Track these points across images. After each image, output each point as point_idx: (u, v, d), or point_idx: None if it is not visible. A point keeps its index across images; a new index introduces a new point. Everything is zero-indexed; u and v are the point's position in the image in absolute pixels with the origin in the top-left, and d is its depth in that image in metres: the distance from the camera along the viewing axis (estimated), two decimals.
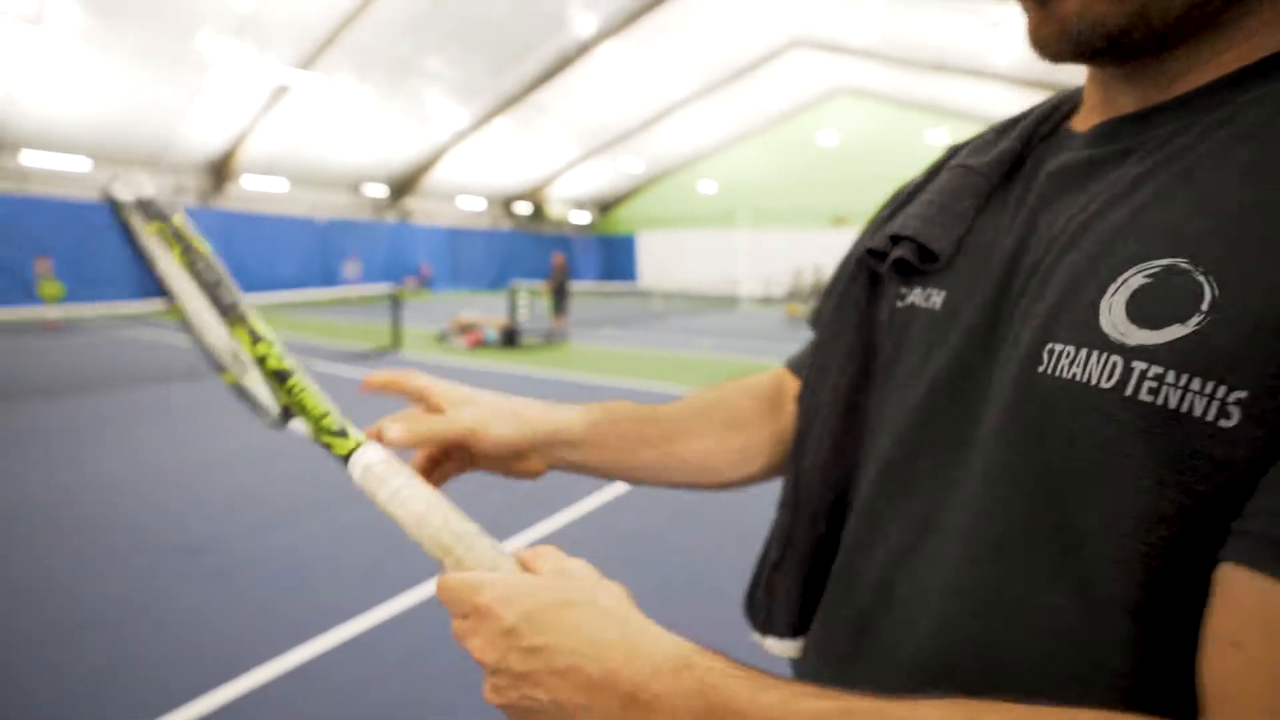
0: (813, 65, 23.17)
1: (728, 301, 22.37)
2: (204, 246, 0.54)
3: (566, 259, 12.70)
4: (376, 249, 22.15)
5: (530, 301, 11.84)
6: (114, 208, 0.57)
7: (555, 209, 29.88)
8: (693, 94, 23.47)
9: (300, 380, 0.53)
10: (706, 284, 26.02)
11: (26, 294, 13.38)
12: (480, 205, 27.36)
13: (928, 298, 0.50)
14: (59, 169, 16.32)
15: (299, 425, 0.55)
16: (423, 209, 25.14)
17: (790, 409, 0.66)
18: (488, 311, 13.43)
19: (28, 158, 15.80)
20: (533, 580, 0.43)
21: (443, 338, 11.31)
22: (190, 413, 6.19)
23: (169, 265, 0.56)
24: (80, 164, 16.51)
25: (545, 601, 0.40)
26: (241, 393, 0.61)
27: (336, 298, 17.36)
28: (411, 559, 3.22)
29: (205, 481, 4.37)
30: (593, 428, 0.62)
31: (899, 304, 0.53)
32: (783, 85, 24.26)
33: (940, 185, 0.55)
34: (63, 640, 2.55)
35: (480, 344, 10.83)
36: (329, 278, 19.75)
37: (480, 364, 9.05)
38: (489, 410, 0.59)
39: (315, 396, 0.53)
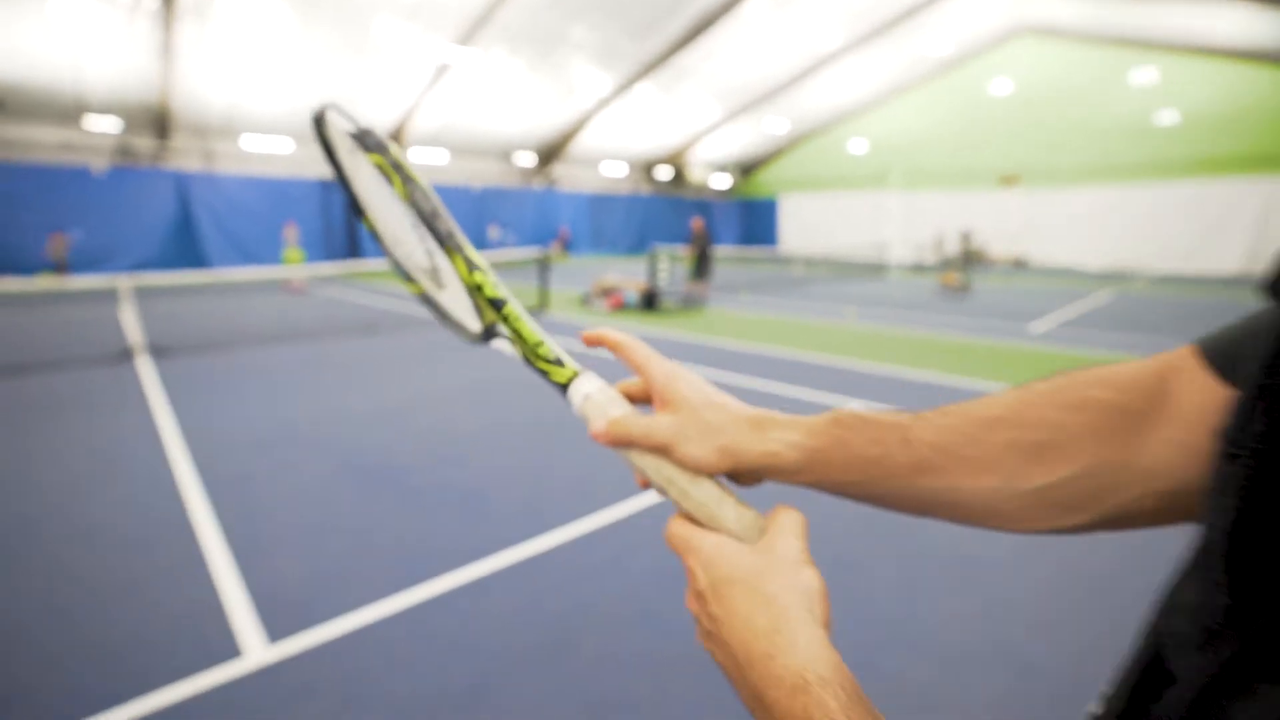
0: (986, 4, 20.65)
1: (875, 269, 21.03)
2: (420, 178, 0.57)
3: (705, 223, 12.53)
4: (525, 214, 23.44)
5: (670, 266, 11.93)
6: (326, 134, 0.60)
7: (695, 173, 29.62)
8: (844, 46, 21.94)
9: (515, 309, 0.57)
10: (852, 250, 24.62)
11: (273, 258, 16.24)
12: (622, 171, 27.82)
13: None
14: (269, 151, 18.94)
15: (503, 345, 0.60)
16: (568, 175, 26.06)
17: (1177, 424, 0.42)
18: (628, 275, 13.73)
19: (246, 142, 18.49)
20: (731, 551, 0.45)
21: (585, 300, 11.75)
22: (388, 361, 7.01)
23: (378, 192, 0.60)
24: (285, 145, 19.00)
25: (726, 576, 0.44)
26: (430, 303, 0.65)
27: (490, 261, 18.65)
28: (571, 499, 3.44)
29: (408, 419, 4.95)
30: (814, 455, 0.50)
31: None
32: (949, 30, 21.89)
33: None
34: (292, 543, 3.04)
35: (621, 306, 11.13)
36: (481, 242, 21.28)
37: (621, 326, 9.30)
38: (691, 424, 0.51)
39: (529, 325, 0.57)
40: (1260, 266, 19.14)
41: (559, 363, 0.55)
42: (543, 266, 10.87)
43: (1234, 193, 19.34)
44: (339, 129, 0.58)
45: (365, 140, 0.57)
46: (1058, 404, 0.45)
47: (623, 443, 0.52)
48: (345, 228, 18.75)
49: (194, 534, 3.05)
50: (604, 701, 2.03)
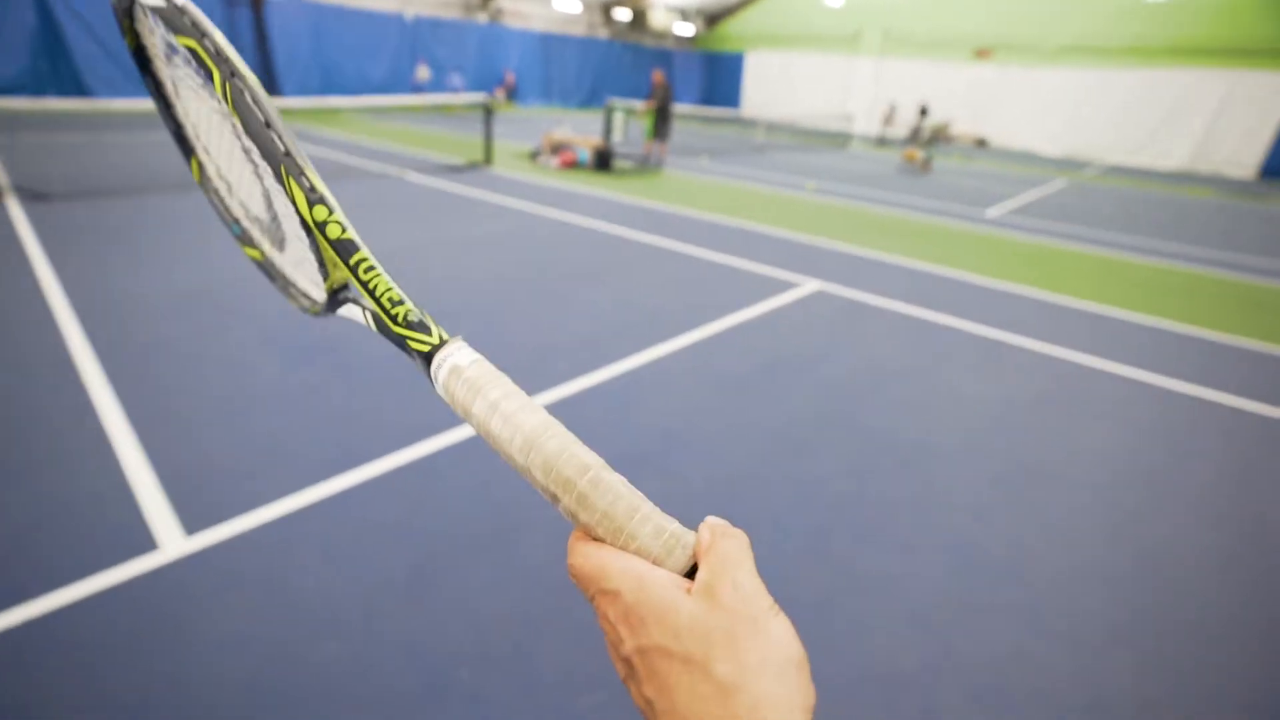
0: None
1: (839, 139, 20.30)
2: (250, 74, 0.42)
3: (667, 77, 11.49)
4: (465, 53, 20.92)
5: (625, 123, 11.07)
6: (123, 10, 0.46)
7: (658, 18, 26.94)
8: None
9: (369, 257, 0.44)
10: (817, 118, 23.56)
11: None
12: (576, 7, 24.98)
13: None
14: None
15: (354, 313, 0.47)
16: (515, 10, 23.23)
17: None
18: (580, 131, 12.73)
19: None
20: (661, 595, 0.32)
21: (534, 156, 10.91)
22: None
23: (199, 105, 0.47)
24: None
25: (659, 645, 0.31)
26: (270, 271, 0.53)
27: (427, 104, 16.89)
28: (525, 376, 3.25)
29: None
30: None
31: None
32: None
33: None
34: (209, 422, 2.77)
35: (573, 165, 10.40)
36: (403, 85, 19.01)
37: (572, 186, 8.70)
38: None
39: (387, 279, 0.44)
40: (1205, 166, 19.50)
41: (422, 326, 0.43)
42: (488, 115, 9.87)
43: (1195, 82, 19.13)
44: (149, 4, 0.43)
45: (174, 17, 0.42)
46: None
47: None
48: (257, 55, 16.32)
49: (95, 412, 2.73)
50: (549, 594, 1.98)
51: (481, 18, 22.19)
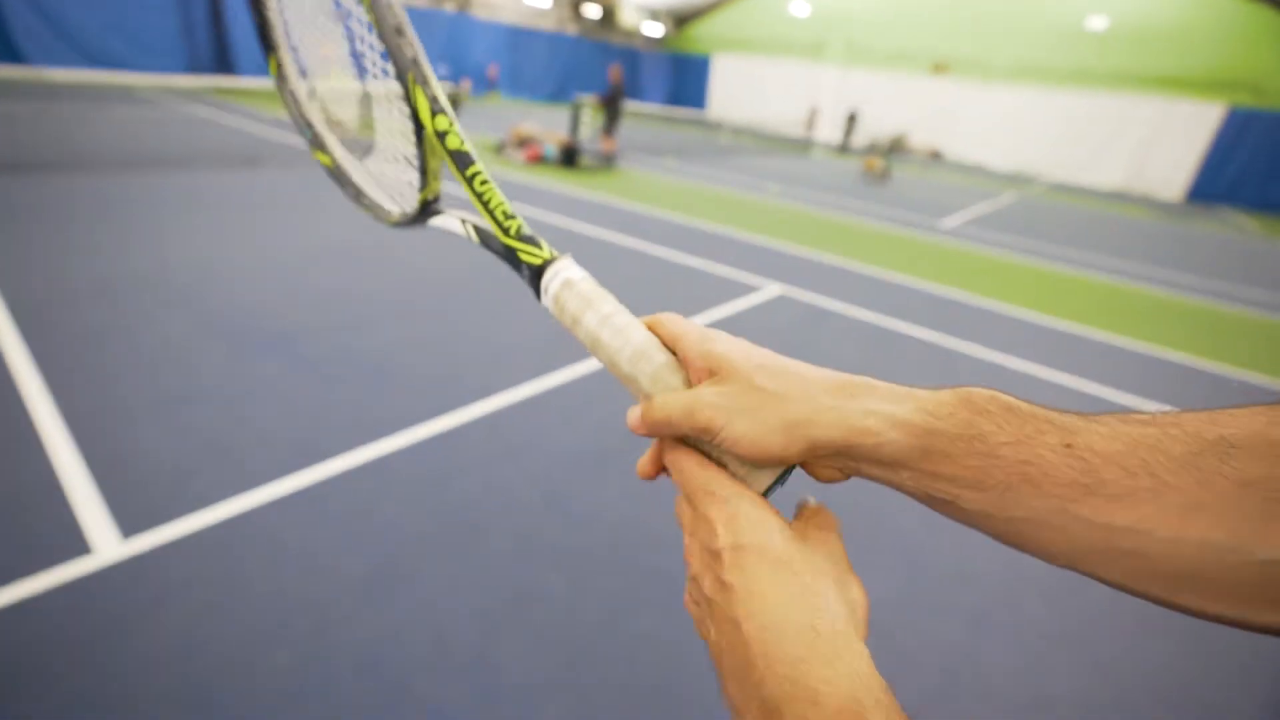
0: None
1: (801, 145, 20.65)
2: None
3: (624, 74, 11.47)
4: (431, 42, 20.48)
5: (593, 119, 11.01)
6: None
7: (627, 16, 26.89)
8: None
9: (483, 170, 0.44)
10: (781, 122, 23.91)
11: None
12: (545, 1, 24.71)
13: None
14: None
15: (447, 223, 0.48)
16: (483, 0, 22.84)
17: None
18: (546, 126, 12.61)
19: None
20: (770, 522, 0.37)
21: (500, 149, 10.75)
22: (272, 203, 6.08)
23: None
24: None
25: (756, 544, 0.36)
26: (340, 178, 0.53)
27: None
28: (485, 372, 3.19)
29: (296, 274, 4.34)
30: (930, 442, 0.34)
31: None
32: None
33: None
34: (148, 417, 2.62)
35: (539, 160, 10.28)
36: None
37: (538, 181, 8.61)
38: (743, 394, 0.38)
39: (500, 193, 0.45)
40: (1138, 187, 20.60)
41: (533, 241, 0.45)
42: (454, 106, 9.66)
43: (1131, 108, 20.20)
44: None
45: None
46: None
47: (663, 428, 0.41)
48: (211, 29, 15.59)
49: (22, 404, 2.56)
50: (516, 593, 1.94)
51: (449, 7, 21.75)
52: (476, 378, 3.20)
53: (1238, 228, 14.57)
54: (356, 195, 0.54)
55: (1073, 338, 5.04)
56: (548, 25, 25.36)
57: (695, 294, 4.90)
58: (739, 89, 27.42)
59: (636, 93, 27.05)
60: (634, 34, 28.34)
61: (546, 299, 0.44)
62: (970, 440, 0.34)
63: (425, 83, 0.44)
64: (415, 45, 0.44)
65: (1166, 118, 19.71)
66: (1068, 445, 0.32)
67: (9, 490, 2.09)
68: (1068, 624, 2.12)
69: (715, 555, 0.36)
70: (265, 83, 10.78)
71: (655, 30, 28.52)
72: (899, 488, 0.37)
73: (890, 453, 0.35)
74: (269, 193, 6.36)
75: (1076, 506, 0.31)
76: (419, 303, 4.08)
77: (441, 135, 0.44)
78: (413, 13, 19.81)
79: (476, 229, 0.46)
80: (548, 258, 0.44)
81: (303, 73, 0.52)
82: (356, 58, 0.47)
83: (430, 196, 0.48)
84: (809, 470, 0.40)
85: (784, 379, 0.38)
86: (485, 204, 0.45)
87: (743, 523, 0.36)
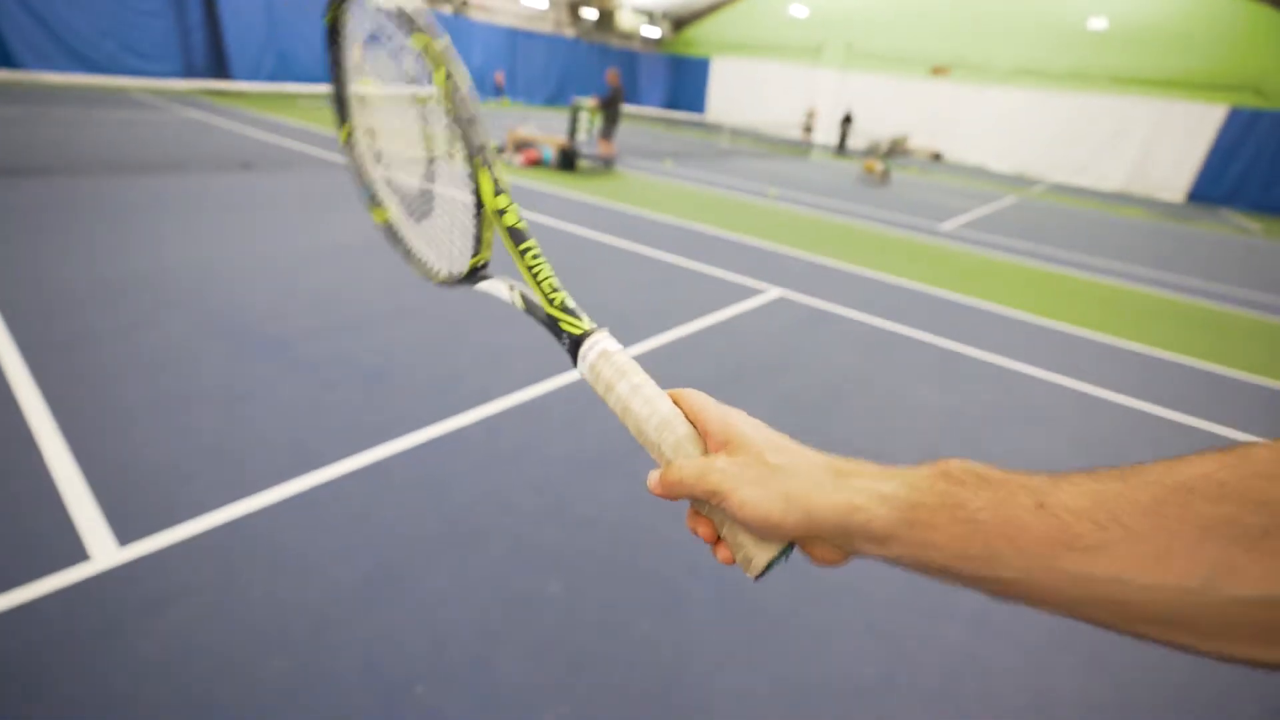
0: None
1: (800, 148, 20.67)
2: (463, 74, 0.49)
3: (623, 78, 11.48)
4: None
5: (590, 122, 11.02)
6: (344, 5, 0.55)
7: (625, 19, 26.93)
8: None
9: (536, 245, 0.50)
10: (780, 125, 23.93)
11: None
12: (543, 4, 24.75)
13: None
14: None
15: (495, 288, 0.54)
16: (480, 2, 22.87)
17: None
18: (545, 129, 12.62)
19: None
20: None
21: (498, 152, 10.73)
22: (268, 205, 6.08)
23: (386, 87, 0.55)
24: None
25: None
26: (393, 235, 0.60)
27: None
28: (484, 375, 3.18)
29: (293, 276, 4.33)
30: (913, 515, 0.38)
31: None
32: None
33: None
34: (145, 421, 2.61)
35: (537, 163, 10.29)
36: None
37: (537, 184, 8.60)
38: (751, 466, 0.43)
39: (549, 267, 0.50)
40: (1139, 189, 20.61)
41: (574, 313, 0.50)
42: None
43: (1132, 110, 20.21)
44: (383, 8, 0.51)
45: (411, 19, 0.49)
46: None
47: (679, 488, 0.45)
48: (207, 34, 15.61)
49: (18, 409, 2.55)
50: (515, 597, 1.93)
51: (446, 9, 21.79)
52: (476, 381, 3.19)
53: (1240, 229, 14.58)
54: (406, 253, 0.60)
55: (1073, 340, 5.03)
56: (545, 28, 25.40)
57: (695, 297, 4.89)
58: (738, 92, 27.45)
59: (635, 96, 27.10)
60: (632, 36, 28.38)
61: (583, 366, 0.49)
62: (951, 509, 0.37)
63: (491, 165, 0.50)
64: (484, 134, 0.49)
65: (1167, 119, 19.71)
66: (1040, 505, 0.35)
67: (5, 496, 2.08)
68: (1068, 623, 2.11)
69: (756, 454, 0.43)
70: (260, 86, 10.77)
71: (653, 33, 28.57)
72: (896, 562, 0.39)
73: (880, 527, 0.38)
74: (264, 195, 6.36)
75: (1057, 561, 0.33)
76: (416, 304, 4.08)
77: (500, 213, 0.50)
78: None
79: (523, 297, 0.52)
80: (587, 329, 0.49)
81: (370, 144, 0.60)
82: (427, 137, 0.55)
83: (480, 263, 0.54)
84: (809, 552, 0.43)
85: (789, 457, 0.43)
86: (535, 277, 0.50)
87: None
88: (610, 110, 10.77)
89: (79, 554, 1.88)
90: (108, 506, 2.08)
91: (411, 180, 0.56)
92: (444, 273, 0.56)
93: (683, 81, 28.88)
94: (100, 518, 2.03)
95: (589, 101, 11.15)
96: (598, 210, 7.54)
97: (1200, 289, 7.59)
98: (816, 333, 4.49)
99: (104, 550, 1.91)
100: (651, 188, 9.70)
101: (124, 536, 1.97)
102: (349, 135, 0.61)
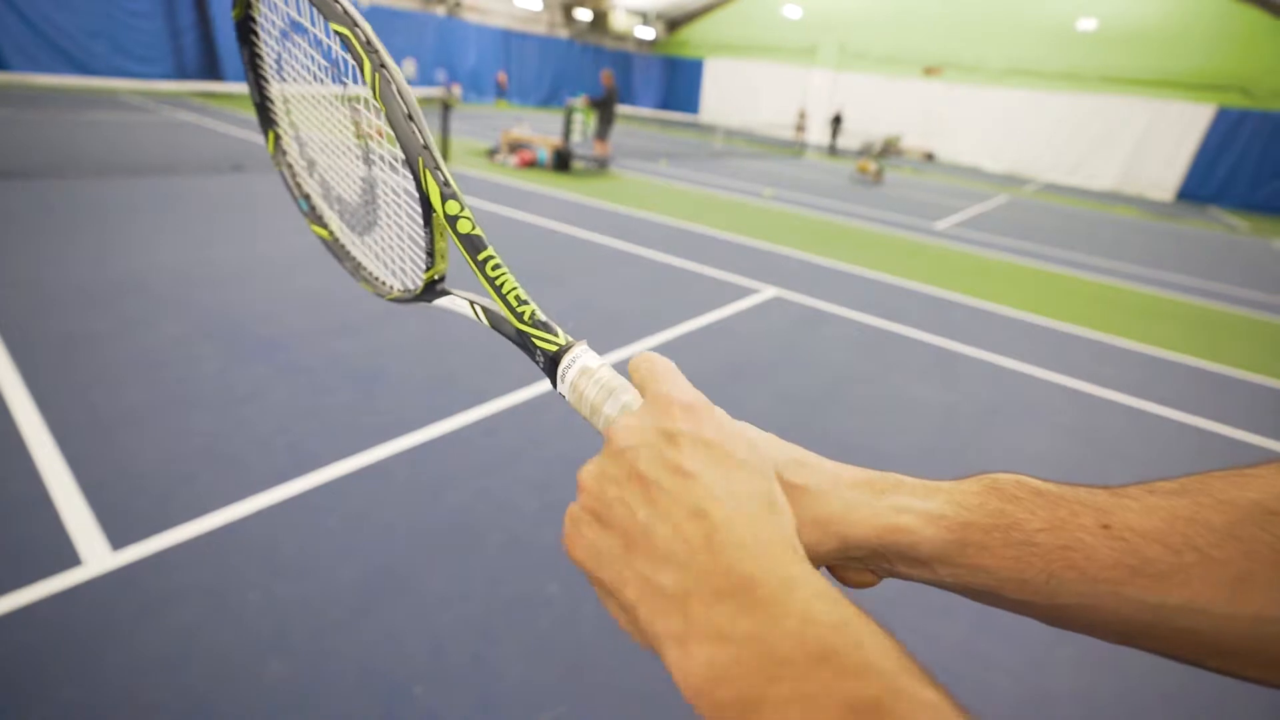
0: None
1: (794, 148, 20.71)
2: (396, 67, 0.44)
3: (618, 79, 11.48)
4: (422, 46, 20.45)
5: (584, 123, 11.01)
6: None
7: (618, 19, 26.94)
8: None
9: (496, 254, 0.45)
10: (773, 126, 23.98)
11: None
12: (537, 5, 24.74)
13: None
14: None
15: (455, 304, 0.48)
16: (473, 3, 22.84)
17: None
18: (539, 130, 12.61)
19: None
20: (753, 435, 0.37)
21: (492, 154, 10.73)
22: (260, 207, 6.04)
23: (305, 80, 0.50)
24: None
25: (732, 441, 0.33)
26: (338, 252, 0.54)
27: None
28: (480, 376, 3.17)
29: (286, 278, 4.30)
30: (964, 535, 0.34)
31: None
32: None
33: None
34: (139, 423, 2.59)
35: (532, 164, 10.27)
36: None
37: (531, 185, 8.59)
38: None
39: (513, 278, 0.45)
40: (1130, 188, 20.76)
41: (548, 327, 0.44)
42: (446, 110, 9.65)
43: (1123, 110, 20.35)
44: None
45: (329, 5, 0.44)
46: None
47: None
48: (199, 35, 15.53)
49: (9, 412, 2.52)
50: (514, 598, 1.92)
51: (439, 10, 21.74)
52: (472, 382, 3.18)
53: (1227, 227, 14.70)
54: (355, 269, 0.54)
55: (1066, 337, 5.06)
56: (539, 29, 25.39)
57: (690, 297, 4.89)
58: (732, 92, 27.50)
59: (629, 97, 27.11)
60: (626, 37, 28.40)
61: (563, 386, 0.42)
62: (1006, 530, 0.33)
63: (435, 167, 0.44)
64: (425, 132, 0.44)
65: (1157, 119, 19.87)
66: (1105, 526, 0.31)
67: None
68: None
69: (670, 437, 0.32)
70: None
71: (647, 34, 28.59)
72: (935, 583, 0.35)
73: (927, 550, 0.34)
74: (256, 197, 6.33)
75: (1125, 588, 0.30)
76: (411, 305, 4.06)
77: (452, 219, 0.44)
78: (402, 15, 19.82)
79: (486, 312, 0.46)
80: (563, 344, 0.43)
81: (300, 151, 0.53)
82: (361, 140, 0.49)
83: (436, 276, 0.48)
84: (838, 575, 0.38)
85: (812, 474, 0.37)
86: (498, 289, 0.44)
87: (706, 415, 0.34)
88: (605, 111, 10.78)
89: (71, 559, 1.87)
90: (100, 510, 2.06)
91: (351, 189, 0.51)
92: (396, 288, 0.52)
93: (677, 82, 28.91)
94: (93, 522, 2.01)
95: (583, 101, 11.15)
96: (593, 211, 7.53)
97: (1191, 286, 7.64)
98: (812, 332, 4.49)
99: (96, 555, 1.89)
100: (646, 188, 9.70)
101: (117, 541, 1.95)
102: (275, 143, 0.56)
